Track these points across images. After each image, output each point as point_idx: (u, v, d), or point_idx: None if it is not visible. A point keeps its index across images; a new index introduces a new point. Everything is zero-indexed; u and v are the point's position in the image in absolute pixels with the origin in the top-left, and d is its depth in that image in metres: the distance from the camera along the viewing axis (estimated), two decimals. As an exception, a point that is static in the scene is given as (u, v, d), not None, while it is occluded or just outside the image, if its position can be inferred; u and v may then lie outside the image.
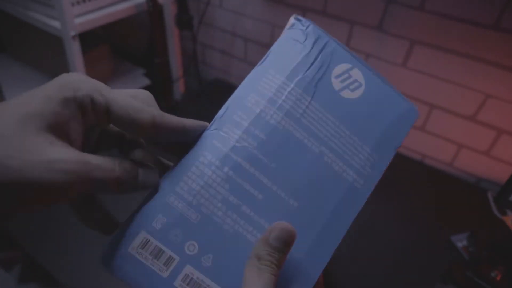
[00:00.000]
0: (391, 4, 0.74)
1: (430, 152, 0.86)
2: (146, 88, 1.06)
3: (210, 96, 1.06)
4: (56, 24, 0.76)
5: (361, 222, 0.71)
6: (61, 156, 0.20)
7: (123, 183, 0.23)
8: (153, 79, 1.06)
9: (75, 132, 0.22)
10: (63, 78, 0.23)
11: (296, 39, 0.31)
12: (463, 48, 0.71)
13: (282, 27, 0.91)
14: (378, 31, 0.78)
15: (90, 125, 0.23)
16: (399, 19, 0.74)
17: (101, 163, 0.22)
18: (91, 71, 0.87)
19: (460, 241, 0.68)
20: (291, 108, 0.29)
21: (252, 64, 1.04)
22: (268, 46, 0.97)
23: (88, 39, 0.87)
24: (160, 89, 0.99)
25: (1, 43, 1.15)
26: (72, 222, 0.69)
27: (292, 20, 0.31)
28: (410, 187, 0.79)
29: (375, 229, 0.70)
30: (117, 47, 1.14)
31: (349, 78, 0.31)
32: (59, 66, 1.01)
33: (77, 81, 0.22)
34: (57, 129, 0.21)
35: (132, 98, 0.23)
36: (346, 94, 0.30)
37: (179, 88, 1.07)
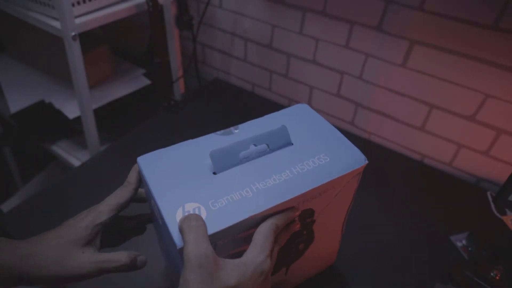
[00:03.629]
0: (390, 4, 0.74)
1: (430, 152, 0.86)
2: (146, 88, 1.06)
3: (210, 96, 1.06)
4: (56, 24, 0.76)
5: (361, 222, 0.71)
6: (86, 259, 0.38)
7: (126, 269, 0.41)
8: (153, 79, 1.06)
9: (96, 241, 0.41)
10: (96, 210, 0.42)
11: None
12: (462, 48, 0.71)
13: (282, 27, 0.92)
14: (378, 31, 0.78)
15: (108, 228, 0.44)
16: (398, 19, 0.74)
17: (109, 260, 0.39)
18: (91, 71, 0.87)
19: (460, 241, 0.68)
20: None
21: (252, 64, 1.04)
22: (268, 46, 0.98)
23: (88, 39, 0.87)
24: (160, 89, 0.99)
25: (1, 43, 1.15)
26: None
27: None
28: (409, 187, 0.80)
29: (374, 228, 0.70)
30: (117, 47, 1.14)
31: None
32: (59, 66, 1.01)
33: (101, 212, 0.42)
34: (87, 244, 0.40)
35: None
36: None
37: (179, 88, 1.07)
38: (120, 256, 0.40)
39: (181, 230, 0.34)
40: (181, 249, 0.33)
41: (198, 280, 0.31)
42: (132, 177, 0.43)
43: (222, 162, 0.40)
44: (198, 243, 0.32)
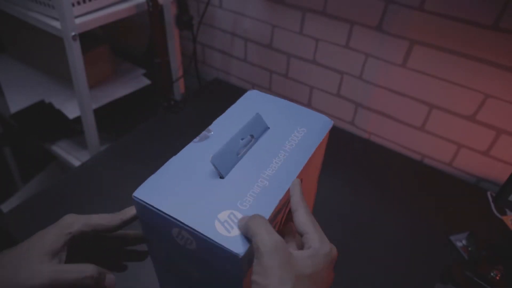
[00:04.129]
0: (390, 4, 0.74)
1: (430, 152, 0.86)
2: (146, 88, 1.06)
3: (210, 96, 1.06)
4: (56, 24, 0.76)
5: (361, 222, 0.71)
6: (42, 269, 0.35)
7: (90, 284, 0.37)
8: (153, 79, 1.06)
9: (64, 251, 0.38)
10: (64, 221, 0.39)
11: None
12: (462, 48, 0.71)
13: (282, 27, 0.92)
14: (378, 31, 0.78)
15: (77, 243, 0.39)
16: (398, 19, 0.74)
17: (67, 271, 0.36)
18: (91, 71, 0.87)
19: (460, 241, 0.68)
20: None
21: (252, 64, 1.04)
22: (268, 46, 0.98)
23: (88, 39, 0.87)
24: (160, 89, 0.99)
25: (1, 43, 1.15)
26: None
27: None
28: (409, 187, 0.80)
29: (374, 228, 0.70)
30: (117, 47, 1.14)
31: None
32: (59, 66, 1.01)
33: (72, 222, 0.39)
34: (52, 252, 0.37)
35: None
36: None
37: (179, 88, 1.07)
38: (85, 268, 0.37)
39: (248, 228, 0.33)
40: (244, 257, 0.33)
41: (276, 265, 0.31)
42: (126, 211, 0.41)
43: (225, 165, 0.40)
44: (270, 232, 0.32)
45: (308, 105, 0.99)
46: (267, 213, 0.36)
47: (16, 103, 0.98)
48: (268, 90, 1.05)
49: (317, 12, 0.84)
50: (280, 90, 1.03)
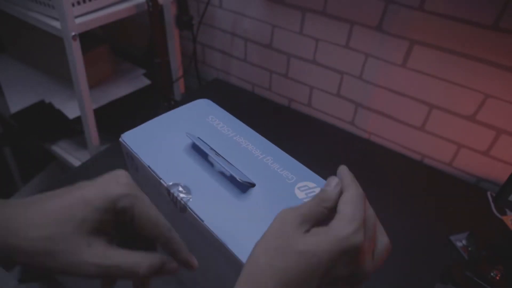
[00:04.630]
0: (390, 4, 0.74)
1: (430, 152, 0.86)
2: (146, 88, 1.06)
3: (210, 96, 1.06)
4: (56, 24, 0.76)
5: (361, 222, 0.71)
6: (90, 260, 0.27)
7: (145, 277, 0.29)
8: (153, 79, 1.06)
9: (109, 229, 0.29)
10: (108, 187, 0.29)
11: None
12: (462, 48, 0.71)
13: (282, 27, 0.92)
14: (378, 31, 0.78)
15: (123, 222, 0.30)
16: (398, 19, 0.74)
17: (118, 266, 0.28)
18: (91, 71, 0.87)
19: (460, 241, 0.68)
20: None
21: (252, 64, 1.04)
22: (268, 46, 0.98)
23: (88, 39, 0.87)
24: (160, 89, 0.99)
25: (1, 43, 1.15)
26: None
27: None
28: (409, 187, 0.80)
29: (374, 229, 0.70)
30: (117, 47, 1.14)
31: None
32: (59, 66, 1.01)
33: (119, 195, 0.29)
34: (97, 231, 0.28)
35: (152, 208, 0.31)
36: None
37: (179, 88, 1.07)
38: (140, 260, 0.28)
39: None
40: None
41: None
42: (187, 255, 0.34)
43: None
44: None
45: (308, 105, 0.99)
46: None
47: (16, 103, 0.98)
48: (268, 90, 1.05)
49: (317, 12, 0.84)
50: (280, 90, 1.03)
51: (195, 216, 0.37)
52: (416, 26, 0.73)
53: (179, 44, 1.01)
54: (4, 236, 0.26)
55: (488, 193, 0.79)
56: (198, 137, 0.44)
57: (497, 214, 0.74)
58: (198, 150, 0.43)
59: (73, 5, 0.74)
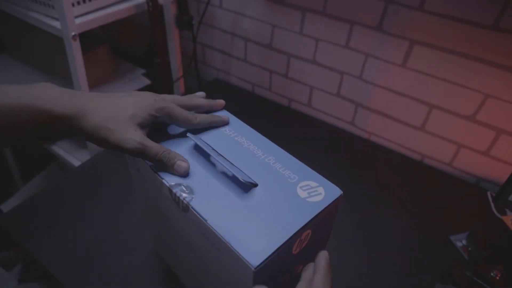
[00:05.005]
0: (390, 4, 0.74)
1: (430, 152, 0.86)
2: (146, 88, 1.06)
3: (210, 96, 1.06)
4: (56, 24, 0.76)
5: (361, 222, 0.71)
6: (135, 138, 0.39)
7: (161, 164, 0.41)
8: (153, 79, 1.06)
9: (148, 126, 0.42)
10: (153, 100, 0.42)
11: None
12: (462, 48, 0.71)
13: (282, 27, 0.92)
14: (378, 31, 0.78)
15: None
16: (398, 19, 0.74)
17: (151, 147, 0.40)
18: (91, 71, 0.87)
19: (460, 241, 0.68)
20: None
21: (252, 64, 1.04)
22: (268, 46, 0.98)
23: (88, 39, 0.87)
24: (160, 89, 0.99)
25: (1, 43, 1.15)
26: (72, 222, 0.69)
27: None
28: (409, 187, 0.80)
29: (374, 228, 0.70)
30: (117, 47, 1.14)
31: None
32: (59, 66, 1.01)
33: (159, 107, 0.42)
34: (140, 125, 0.40)
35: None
36: None
37: (179, 88, 1.07)
38: (157, 149, 0.41)
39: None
40: None
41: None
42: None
43: None
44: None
45: (308, 105, 0.99)
46: None
47: (16, 103, 0.97)
48: (268, 90, 1.05)
49: (317, 12, 0.84)
50: (280, 90, 1.03)
51: (198, 215, 0.37)
52: (416, 26, 0.73)
53: (179, 44, 1.01)
54: (77, 118, 0.38)
55: (488, 193, 0.79)
56: (200, 138, 0.44)
57: (497, 214, 0.74)
58: (200, 151, 0.43)
59: (73, 5, 0.74)
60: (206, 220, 0.36)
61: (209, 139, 0.44)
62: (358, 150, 0.90)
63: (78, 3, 0.76)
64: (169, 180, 0.40)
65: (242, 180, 0.38)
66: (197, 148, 0.43)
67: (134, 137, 0.39)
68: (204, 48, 1.13)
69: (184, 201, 0.38)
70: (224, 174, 0.41)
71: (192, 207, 0.37)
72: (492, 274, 0.58)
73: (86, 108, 0.38)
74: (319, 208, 0.37)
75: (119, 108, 0.40)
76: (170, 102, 0.43)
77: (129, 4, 0.85)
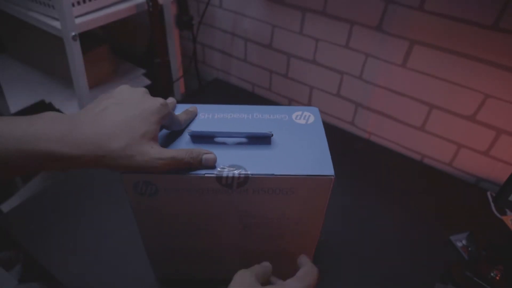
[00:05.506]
0: (390, 4, 0.74)
1: (430, 152, 0.86)
2: (146, 88, 1.06)
3: (210, 96, 1.06)
4: (56, 24, 0.76)
5: (361, 222, 0.71)
6: (156, 156, 0.39)
7: (191, 166, 0.41)
8: (153, 79, 1.06)
9: (157, 136, 0.41)
10: (159, 108, 0.41)
11: None
12: (462, 48, 0.71)
13: (282, 27, 0.92)
14: (378, 31, 0.78)
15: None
16: (398, 19, 0.74)
17: (174, 156, 0.40)
18: (91, 71, 0.87)
19: (460, 241, 0.68)
20: None
21: (252, 64, 1.04)
22: (268, 46, 0.98)
23: (88, 39, 0.87)
24: (160, 89, 0.99)
25: (1, 43, 1.15)
26: (72, 222, 0.69)
27: None
28: (409, 187, 0.80)
29: (374, 228, 0.70)
30: (117, 47, 1.14)
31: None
32: (59, 66, 1.01)
33: (166, 114, 0.41)
34: (152, 139, 0.39)
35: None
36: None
37: (179, 88, 1.07)
38: (182, 154, 0.40)
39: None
40: None
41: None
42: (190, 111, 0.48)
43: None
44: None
45: (308, 105, 0.99)
46: None
47: (16, 103, 0.97)
48: (268, 90, 1.05)
49: (317, 12, 0.84)
50: (280, 90, 1.03)
51: (263, 176, 0.40)
52: (416, 26, 0.73)
53: (179, 44, 1.01)
54: (93, 150, 0.36)
55: (488, 193, 0.79)
56: (193, 130, 0.45)
57: (497, 214, 0.74)
58: (203, 138, 0.45)
59: (73, 5, 0.74)
60: (273, 174, 0.40)
61: (198, 128, 0.47)
62: (358, 150, 0.90)
63: (78, 3, 0.76)
64: (206, 172, 0.41)
65: (261, 135, 0.44)
66: (200, 137, 0.45)
67: (154, 155, 0.38)
68: (204, 48, 1.13)
69: (241, 175, 0.40)
70: (239, 144, 0.44)
71: (251, 175, 0.40)
72: (492, 274, 0.58)
73: (93, 141, 0.36)
74: (321, 128, 0.47)
75: (127, 129, 0.38)
76: (168, 106, 0.42)
77: (129, 4, 0.85)
